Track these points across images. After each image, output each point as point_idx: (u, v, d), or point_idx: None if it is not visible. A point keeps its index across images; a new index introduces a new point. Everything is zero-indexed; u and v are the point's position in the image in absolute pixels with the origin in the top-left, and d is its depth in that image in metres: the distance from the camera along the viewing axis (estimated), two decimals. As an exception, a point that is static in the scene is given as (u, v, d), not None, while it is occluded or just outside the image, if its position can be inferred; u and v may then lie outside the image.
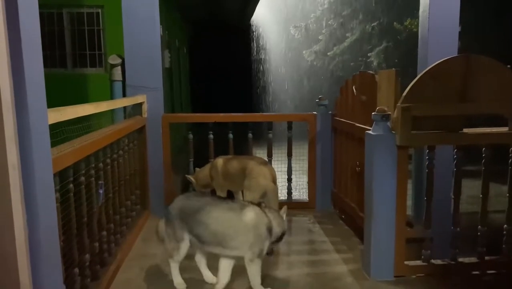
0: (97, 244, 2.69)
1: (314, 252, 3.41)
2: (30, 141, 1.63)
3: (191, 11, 12.04)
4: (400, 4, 10.31)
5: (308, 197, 4.51)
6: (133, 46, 4.03)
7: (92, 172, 2.63)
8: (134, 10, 3.98)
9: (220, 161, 3.77)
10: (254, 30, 16.89)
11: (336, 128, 4.26)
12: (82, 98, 5.35)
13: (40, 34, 1.72)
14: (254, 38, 17.26)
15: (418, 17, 9.88)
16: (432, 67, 2.72)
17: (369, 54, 11.60)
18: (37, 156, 1.68)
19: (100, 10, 6.67)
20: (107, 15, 6.54)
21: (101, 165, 2.79)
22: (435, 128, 2.79)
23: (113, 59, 4.09)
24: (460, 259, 2.96)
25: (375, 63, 11.18)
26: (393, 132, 2.76)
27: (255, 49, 17.56)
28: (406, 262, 2.89)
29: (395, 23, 10.04)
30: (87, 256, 2.50)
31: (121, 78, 4.09)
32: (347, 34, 12.49)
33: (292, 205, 4.45)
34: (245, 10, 12.01)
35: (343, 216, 4.15)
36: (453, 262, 2.95)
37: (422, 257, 2.95)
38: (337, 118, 4.22)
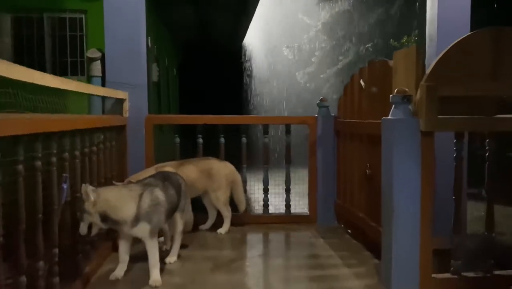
0: (56, 250, 2.16)
1: (320, 267, 2.89)
2: None
3: (182, 32, 11.80)
4: (394, 23, 10.17)
5: (309, 210, 4.02)
6: (115, 37, 3.61)
7: (53, 159, 2.14)
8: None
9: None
10: (246, 51, 16.68)
11: (340, 132, 3.84)
12: (60, 109, 4.83)
13: None
14: (246, 60, 17.03)
15: (414, 36, 9.65)
16: (460, 40, 2.34)
17: (364, 77, 11.26)
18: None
19: (83, 16, 6.29)
20: (90, 20, 6.15)
21: (66, 155, 2.31)
22: (463, 113, 2.38)
23: (92, 53, 3.69)
24: (496, 272, 2.49)
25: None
26: (416, 117, 2.35)
27: (247, 71, 17.32)
28: (433, 275, 2.41)
29: (391, 40, 9.86)
30: (41, 263, 1.98)
31: (100, 74, 3.66)
32: (340, 58, 12.29)
33: (290, 219, 3.99)
34: (237, 32, 11.82)
35: (349, 230, 3.66)
36: (488, 275, 2.48)
37: (452, 268, 2.47)
38: (341, 120, 3.81)
